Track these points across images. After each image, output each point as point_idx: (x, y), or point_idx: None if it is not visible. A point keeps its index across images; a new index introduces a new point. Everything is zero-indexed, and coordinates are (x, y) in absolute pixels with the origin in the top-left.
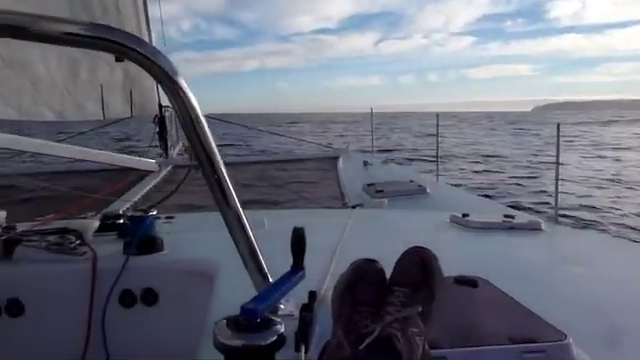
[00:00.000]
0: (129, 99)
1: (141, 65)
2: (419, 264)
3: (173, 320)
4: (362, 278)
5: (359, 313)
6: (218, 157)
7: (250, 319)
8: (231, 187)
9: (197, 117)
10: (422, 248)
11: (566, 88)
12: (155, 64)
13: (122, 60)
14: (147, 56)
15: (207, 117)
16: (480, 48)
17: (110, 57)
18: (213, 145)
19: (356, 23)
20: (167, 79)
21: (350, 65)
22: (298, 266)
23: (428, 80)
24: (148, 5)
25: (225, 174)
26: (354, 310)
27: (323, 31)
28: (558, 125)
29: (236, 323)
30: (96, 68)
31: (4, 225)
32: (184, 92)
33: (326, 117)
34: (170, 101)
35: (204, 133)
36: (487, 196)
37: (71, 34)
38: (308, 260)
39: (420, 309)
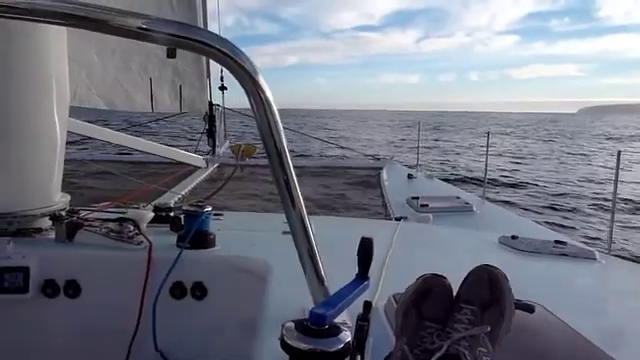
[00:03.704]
0: (178, 95)
1: (222, 63)
2: (489, 283)
3: (220, 315)
4: (430, 293)
5: (425, 328)
6: (289, 159)
7: (318, 324)
8: (299, 190)
9: (274, 117)
10: (492, 267)
11: (615, 90)
12: (235, 62)
13: (174, 57)
14: (228, 54)
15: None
16: (524, 47)
17: (162, 53)
18: (286, 147)
19: (399, 20)
20: (248, 77)
21: (390, 62)
22: (364, 276)
23: (469, 79)
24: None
25: (294, 177)
26: (420, 325)
27: (365, 28)
28: (619, 153)
29: (304, 327)
30: (147, 63)
31: (68, 209)
32: (263, 91)
33: (368, 114)
34: (249, 99)
35: (279, 134)
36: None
37: (152, 30)
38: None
39: (489, 329)
